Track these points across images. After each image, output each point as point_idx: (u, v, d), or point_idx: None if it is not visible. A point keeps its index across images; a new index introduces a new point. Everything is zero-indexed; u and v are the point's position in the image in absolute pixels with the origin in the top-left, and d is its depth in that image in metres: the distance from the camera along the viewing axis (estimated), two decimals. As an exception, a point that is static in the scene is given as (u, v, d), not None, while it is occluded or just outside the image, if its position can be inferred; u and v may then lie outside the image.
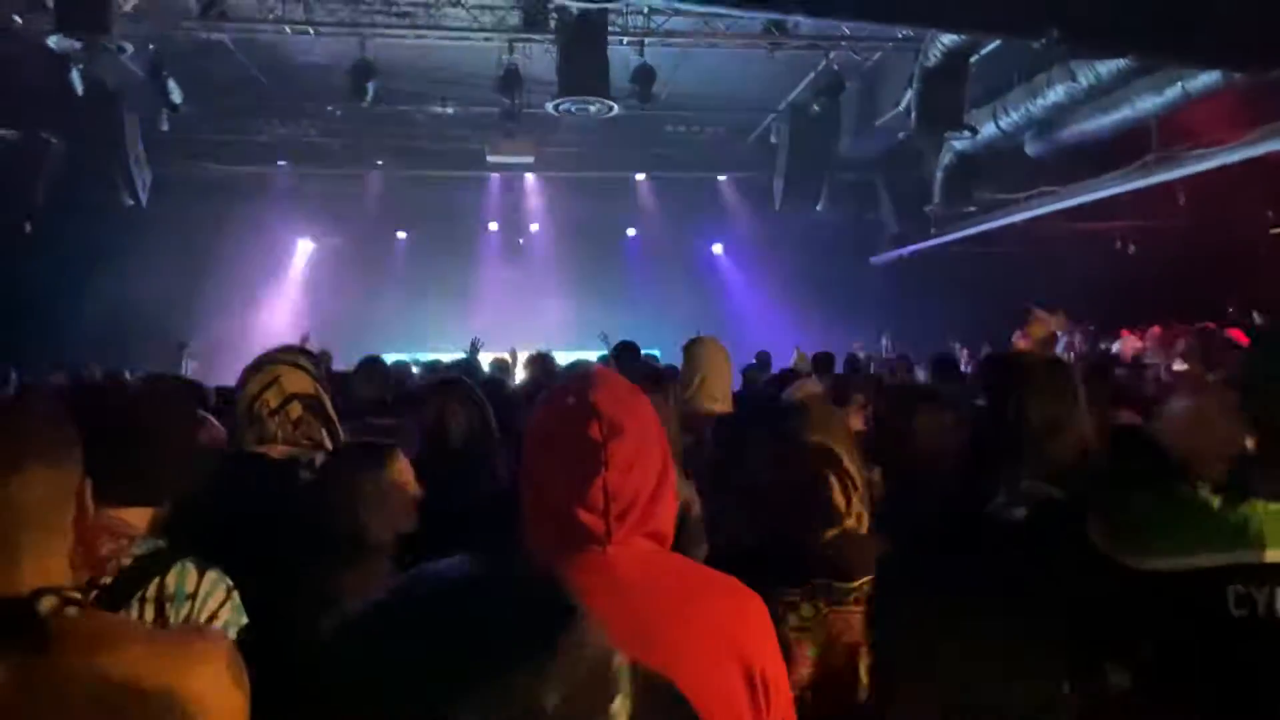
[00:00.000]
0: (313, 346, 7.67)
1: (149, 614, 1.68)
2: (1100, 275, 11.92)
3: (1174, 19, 6.03)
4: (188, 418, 2.47)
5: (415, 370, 6.91)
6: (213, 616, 1.73)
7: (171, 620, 1.68)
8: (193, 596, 1.73)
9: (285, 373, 2.66)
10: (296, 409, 2.63)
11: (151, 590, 1.70)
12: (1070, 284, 11.84)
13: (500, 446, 3.04)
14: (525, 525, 1.43)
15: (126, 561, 1.72)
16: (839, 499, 2.00)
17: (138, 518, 1.85)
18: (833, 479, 1.99)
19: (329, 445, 2.61)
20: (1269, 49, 6.18)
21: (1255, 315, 9.51)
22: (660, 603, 1.34)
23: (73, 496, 1.31)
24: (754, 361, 8.39)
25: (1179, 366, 6.06)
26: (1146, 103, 7.97)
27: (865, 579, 1.92)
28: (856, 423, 3.60)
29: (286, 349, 2.93)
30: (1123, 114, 8.31)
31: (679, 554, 1.46)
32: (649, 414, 1.43)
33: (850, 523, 2.01)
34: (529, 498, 1.42)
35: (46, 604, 1.20)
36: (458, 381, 3.07)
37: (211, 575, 1.76)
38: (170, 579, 1.71)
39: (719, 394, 3.51)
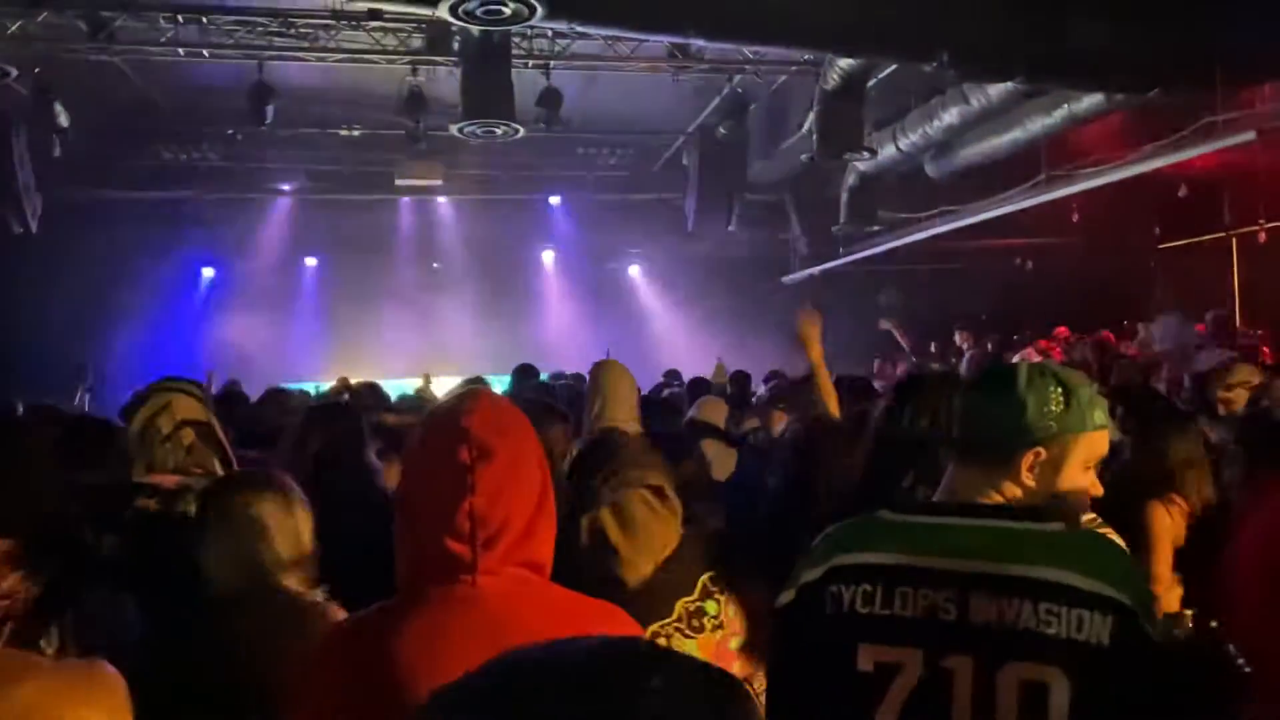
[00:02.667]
0: (214, 383, 7.48)
1: (70, 643, 1.71)
2: (1001, 291, 12.31)
3: (1055, 45, 6.26)
4: (41, 448, 2.38)
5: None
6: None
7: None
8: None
9: (176, 399, 2.65)
10: (189, 435, 2.62)
11: (69, 618, 1.73)
12: (973, 299, 12.20)
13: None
14: (396, 552, 1.38)
15: (36, 591, 1.72)
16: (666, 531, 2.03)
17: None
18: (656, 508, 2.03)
19: (220, 473, 2.57)
20: (1144, 72, 6.46)
21: (1141, 328, 9.89)
22: (531, 634, 1.29)
23: None
24: (661, 380, 8.43)
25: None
26: (1036, 124, 8.29)
27: (702, 579, 2.01)
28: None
29: (175, 377, 2.90)
30: (1014, 135, 8.61)
31: (557, 584, 1.42)
32: (526, 437, 1.40)
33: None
34: (399, 523, 1.38)
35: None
36: (327, 407, 3.05)
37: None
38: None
39: (621, 416, 3.52)
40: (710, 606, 1.98)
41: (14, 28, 7.92)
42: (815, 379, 3.62)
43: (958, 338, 11.17)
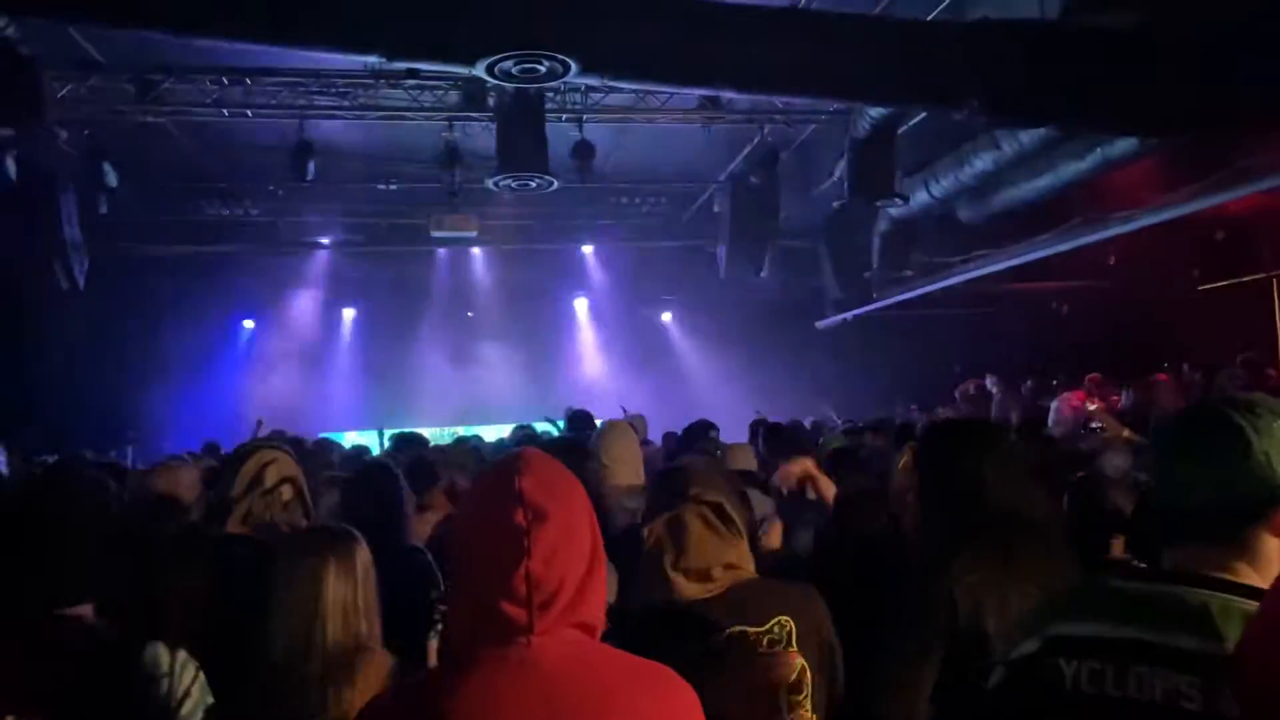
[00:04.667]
0: (265, 429, 7.61)
1: (135, 693, 1.80)
2: (1037, 335, 12.21)
3: (1086, 90, 6.26)
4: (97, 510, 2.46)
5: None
6: (186, 694, 1.87)
7: (154, 696, 1.82)
8: (169, 675, 1.86)
9: (281, 457, 2.84)
10: (288, 492, 2.78)
11: (132, 671, 1.82)
12: (1008, 344, 12.11)
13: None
14: (449, 615, 1.40)
15: (102, 644, 1.83)
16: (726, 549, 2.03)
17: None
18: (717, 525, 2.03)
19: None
20: (1175, 116, 6.44)
21: (1185, 369, 9.75)
22: (584, 696, 1.30)
23: None
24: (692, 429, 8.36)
25: (1095, 424, 6.17)
26: (1069, 169, 8.25)
27: (776, 619, 1.97)
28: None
29: (271, 437, 3.15)
30: (1048, 180, 8.58)
31: (608, 645, 1.43)
32: (579, 499, 1.41)
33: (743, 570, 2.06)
34: (453, 586, 1.40)
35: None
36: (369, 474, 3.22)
37: (181, 655, 1.89)
38: (146, 659, 1.85)
39: (623, 475, 3.65)
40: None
41: (64, 90, 8.20)
42: None
43: (988, 382, 11.07)
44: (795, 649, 1.97)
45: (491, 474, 1.43)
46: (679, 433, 6.42)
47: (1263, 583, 1.28)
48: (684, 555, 1.99)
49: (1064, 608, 1.40)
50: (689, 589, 1.97)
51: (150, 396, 12.14)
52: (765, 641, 1.96)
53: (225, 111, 8.84)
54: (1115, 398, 8.90)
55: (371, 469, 3.52)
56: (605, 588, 1.42)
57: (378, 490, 3.14)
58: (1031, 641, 1.39)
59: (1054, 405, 9.66)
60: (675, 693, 1.38)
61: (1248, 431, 1.29)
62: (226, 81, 8.55)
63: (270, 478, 2.74)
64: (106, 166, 9.08)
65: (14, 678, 1.76)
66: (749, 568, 2.06)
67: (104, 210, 9.88)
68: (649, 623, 1.96)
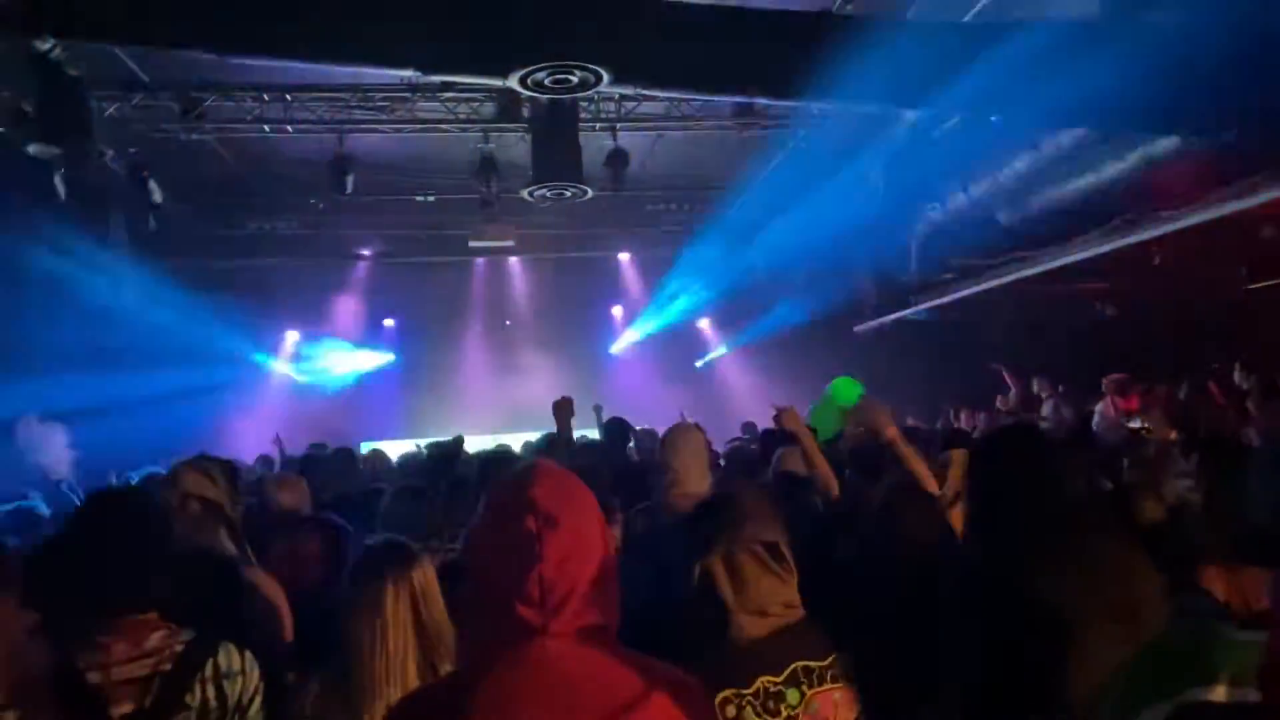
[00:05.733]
0: (286, 444, 7.70)
1: (210, 692, 1.94)
2: (1080, 337, 12.02)
3: (1126, 89, 6.18)
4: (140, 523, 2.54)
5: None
6: (256, 690, 2.01)
7: (229, 694, 1.96)
8: (241, 673, 1.99)
9: (188, 478, 2.97)
10: (193, 506, 2.86)
11: (209, 670, 1.96)
12: (1051, 347, 11.94)
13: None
14: (465, 618, 1.44)
15: (179, 648, 1.97)
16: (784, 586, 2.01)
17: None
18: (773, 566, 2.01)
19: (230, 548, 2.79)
20: (1218, 113, 6.34)
21: (1237, 372, 9.55)
22: (599, 695, 1.35)
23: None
24: (743, 435, 8.41)
25: (1141, 425, 6.07)
26: (1110, 169, 8.13)
27: (833, 656, 1.96)
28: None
29: (199, 457, 3.24)
30: (1088, 180, 8.45)
31: (623, 646, 1.46)
32: (588, 505, 1.45)
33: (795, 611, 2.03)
34: (468, 592, 1.45)
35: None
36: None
37: (249, 654, 2.03)
38: (221, 660, 1.98)
39: (691, 485, 3.53)
40: (792, 696, 1.92)
41: (111, 110, 8.39)
42: (898, 453, 3.44)
43: (1035, 385, 10.93)
44: (850, 687, 1.96)
45: (506, 484, 1.48)
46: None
47: None
48: (743, 596, 1.98)
49: (1192, 666, 1.18)
50: (752, 626, 1.96)
51: (196, 409, 12.34)
52: (827, 677, 1.95)
53: (266, 127, 9.00)
54: (1160, 399, 8.75)
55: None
56: (617, 590, 1.46)
57: None
58: (1161, 706, 1.17)
59: (1098, 408, 9.54)
60: (689, 694, 1.42)
61: None
62: (267, 98, 8.70)
63: (173, 501, 2.86)
64: (153, 184, 9.28)
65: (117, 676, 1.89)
66: (798, 602, 2.05)
67: (151, 226, 10.10)
68: (715, 664, 1.92)
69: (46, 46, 6.16)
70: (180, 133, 8.93)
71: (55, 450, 8.17)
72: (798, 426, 3.62)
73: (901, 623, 2.25)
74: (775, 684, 1.91)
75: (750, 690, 1.90)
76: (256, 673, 2.03)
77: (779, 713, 1.89)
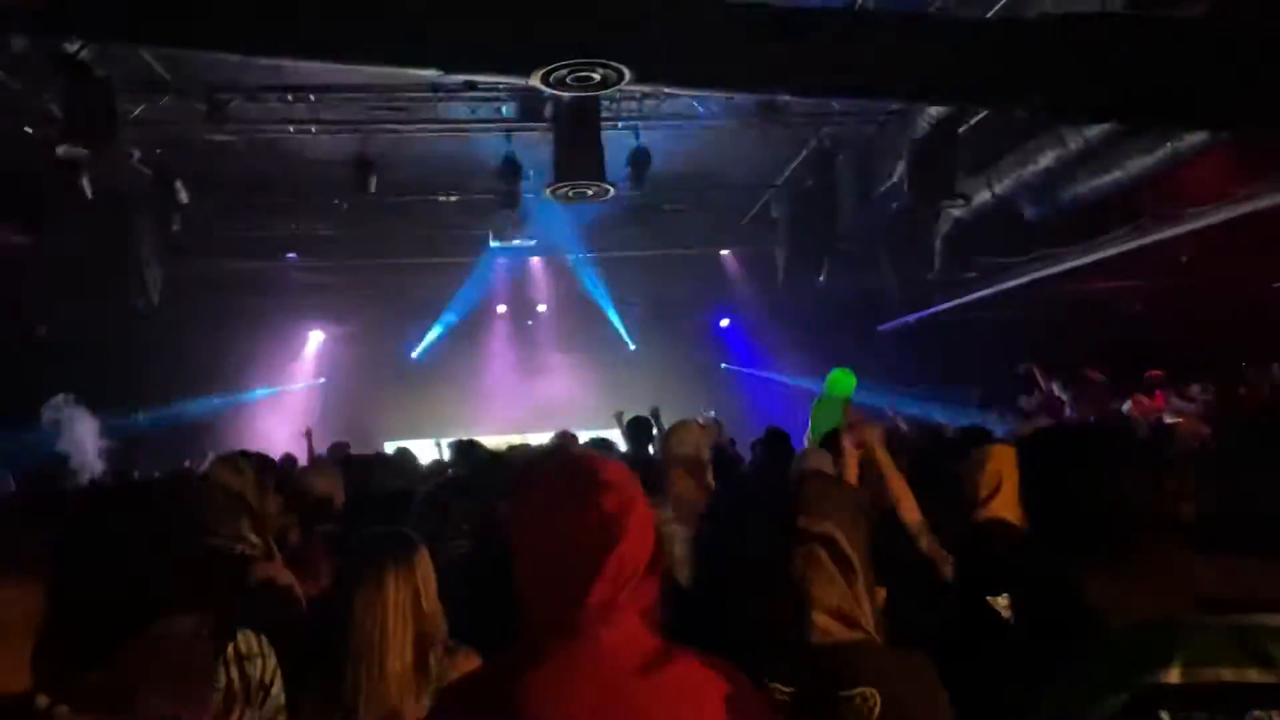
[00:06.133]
0: (317, 439, 7.76)
1: (234, 673, 2.02)
2: (1108, 336, 11.90)
3: (1153, 84, 6.10)
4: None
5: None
6: (274, 671, 2.08)
7: (254, 675, 2.04)
8: (260, 655, 2.06)
9: (221, 470, 3.15)
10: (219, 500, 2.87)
11: (230, 653, 2.03)
12: (1079, 344, 11.82)
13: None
14: (520, 600, 1.42)
15: (207, 633, 2.02)
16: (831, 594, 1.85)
17: None
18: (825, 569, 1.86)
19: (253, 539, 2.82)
20: (1247, 107, 6.24)
21: (1276, 369, 9.43)
22: (651, 688, 1.33)
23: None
24: (764, 437, 8.33)
25: (1170, 419, 5.99)
26: (1137, 164, 8.05)
27: (861, 689, 1.75)
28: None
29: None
30: (1115, 176, 8.38)
31: (669, 640, 1.44)
32: (641, 494, 1.45)
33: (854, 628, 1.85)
34: (524, 573, 1.41)
35: (42, 701, 1.44)
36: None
37: (264, 638, 2.09)
38: (241, 643, 2.05)
39: (685, 482, 3.63)
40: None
41: (137, 111, 8.45)
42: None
43: (1054, 387, 10.82)
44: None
45: (564, 469, 1.46)
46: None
47: None
48: (817, 594, 1.84)
49: (1151, 651, 1.20)
50: (832, 629, 1.82)
51: (220, 408, 12.46)
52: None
53: (291, 128, 9.05)
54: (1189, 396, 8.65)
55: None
56: (660, 580, 1.44)
57: None
58: (1120, 696, 1.18)
59: (1125, 407, 9.44)
60: (741, 690, 1.40)
61: None
62: (292, 99, 8.74)
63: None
64: (178, 185, 9.35)
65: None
66: (862, 615, 1.85)
67: (176, 227, 10.19)
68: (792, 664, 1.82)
69: (74, 48, 6.22)
70: (205, 134, 8.99)
71: (84, 435, 8.29)
72: (871, 445, 3.46)
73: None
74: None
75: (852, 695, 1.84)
76: (273, 656, 2.10)
77: (862, 711, 1.81)
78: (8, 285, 10.07)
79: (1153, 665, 1.18)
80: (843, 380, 5.25)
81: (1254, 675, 1.14)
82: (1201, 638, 1.19)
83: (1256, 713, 1.12)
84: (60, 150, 7.12)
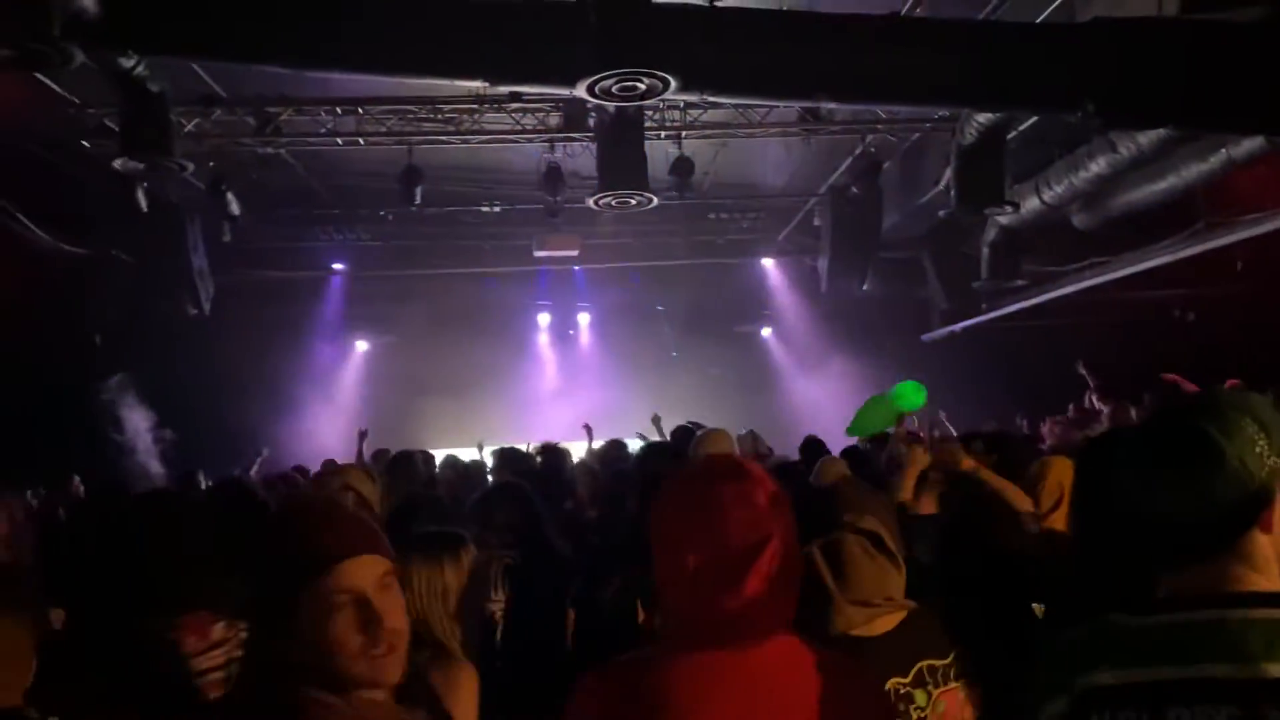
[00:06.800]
0: (369, 441, 7.85)
1: None
2: (1160, 345, 11.64)
3: (1209, 89, 5.98)
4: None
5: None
6: None
7: None
8: None
9: (349, 471, 3.24)
10: (351, 499, 3.01)
11: None
12: (1129, 354, 11.59)
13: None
14: (665, 604, 1.45)
15: (245, 635, 1.98)
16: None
17: None
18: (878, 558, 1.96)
19: None
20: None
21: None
22: (794, 691, 1.36)
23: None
24: (802, 445, 8.26)
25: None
26: (1192, 170, 7.89)
27: (955, 650, 1.91)
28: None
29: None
30: (1169, 183, 8.22)
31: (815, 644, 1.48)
32: (786, 499, 1.47)
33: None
34: (666, 572, 1.42)
35: (32, 715, 1.55)
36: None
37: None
38: None
39: None
40: (919, 697, 1.85)
41: (190, 125, 8.63)
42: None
43: (1091, 400, 10.59)
44: (973, 683, 1.92)
45: (711, 471, 1.48)
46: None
47: (1270, 584, 1.24)
48: (846, 585, 1.91)
49: (1084, 655, 1.28)
50: (858, 616, 1.90)
51: (270, 415, 12.62)
52: (951, 674, 1.90)
53: (339, 140, 9.18)
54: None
55: None
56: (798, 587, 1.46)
57: None
58: (1059, 699, 1.27)
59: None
60: (871, 687, 1.48)
61: (1216, 438, 1.23)
62: (340, 111, 8.87)
63: (333, 485, 3.05)
64: (230, 196, 9.51)
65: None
66: (902, 594, 1.98)
67: (227, 238, 10.37)
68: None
69: (130, 64, 6.35)
70: (256, 146, 9.15)
71: (137, 423, 8.46)
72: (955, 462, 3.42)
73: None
74: (904, 685, 1.86)
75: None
76: None
77: (909, 715, 1.84)
78: (64, 295, 10.30)
79: (1083, 669, 1.26)
80: (913, 395, 5.21)
81: (1162, 673, 1.21)
82: (1122, 640, 1.26)
83: (1175, 709, 1.19)
84: (117, 163, 7.29)
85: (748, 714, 1.32)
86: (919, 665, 1.88)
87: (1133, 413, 8.84)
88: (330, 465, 6.33)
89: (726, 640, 1.34)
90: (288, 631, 1.31)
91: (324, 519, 1.40)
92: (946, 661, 1.90)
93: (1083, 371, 10.31)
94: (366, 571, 1.34)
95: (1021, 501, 3.11)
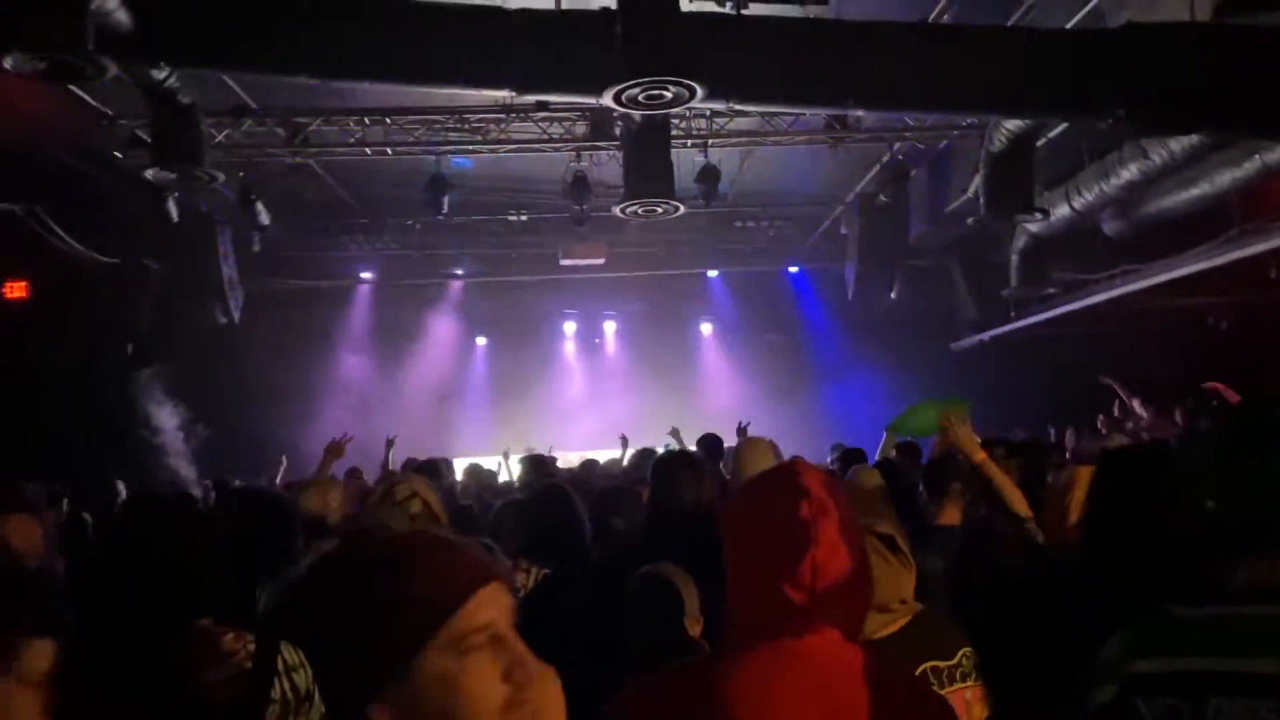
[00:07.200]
0: (396, 450, 7.88)
1: (287, 685, 2.03)
2: (1193, 354, 11.48)
3: (1242, 94, 5.90)
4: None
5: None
6: (313, 682, 2.02)
7: (301, 685, 2.03)
8: (302, 665, 2.06)
9: (413, 479, 3.26)
10: (416, 505, 3.08)
11: (280, 666, 2.04)
12: (1160, 363, 11.43)
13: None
14: (731, 601, 1.47)
15: (250, 647, 2.06)
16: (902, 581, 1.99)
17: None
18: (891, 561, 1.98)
19: None
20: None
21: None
22: (855, 695, 1.36)
23: None
24: (832, 456, 8.24)
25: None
26: (1225, 177, 7.78)
27: (963, 651, 1.93)
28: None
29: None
30: (1201, 189, 8.10)
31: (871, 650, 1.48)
32: (849, 502, 1.48)
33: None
34: (737, 574, 1.46)
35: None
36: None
37: (299, 651, 2.02)
38: (286, 655, 2.06)
39: None
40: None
41: (220, 136, 8.73)
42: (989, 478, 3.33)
43: (1135, 404, 10.46)
44: (979, 683, 1.92)
45: (776, 473, 1.51)
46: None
47: None
48: None
49: (1138, 644, 1.33)
50: (872, 623, 1.91)
51: (296, 422, 12.70)
52: (957, 675, 1.92)
53: (368, 150, 9.25)
54: None
55: None
56: (870, 594, 1.48)
57: None
58: (1109, 687, 1.32)
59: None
60: (930, 693, 1.49)
61: None
62: (368, 122, 8.94)
63: (400, 494, 3.05)
64: (260, 206, 9.60)
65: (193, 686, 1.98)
66: (913, 596, 2.01)
67: (257, 248, 10.47)
68: None
69: (162, 75, 6.43)
70: (285, 156, 9.24)
71: (167, 420, 8.53)
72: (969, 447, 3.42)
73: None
74: (952, 668, 1.90)
75: (954, 661, 1.90)
76: (309, 668, 2.07)
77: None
78: (96, 304, 10.43)
79: (1134, 656, 1.31)
80: (958, 407, 5.19)
81: (1205, 664, 1.24)
82: (1170, 631, 1.30)
83: (1216, 700, 1.22)
84: (149, 174, 7.38)
85: (809, 710, 1.33)
86: (924, 667, 1.90)
87: (1177, 418, 8.74)
88: (410, 463, 6.40)
89: (779, 646, 1.36)
90: (400, 706, 0.99)
91: (440, 548, 1.08)
92: (952, 662, 1.92)
93: (1106, 381, 10.21)
94: (498, 600, 1.05)
95: (1020, 506, 3.13)
